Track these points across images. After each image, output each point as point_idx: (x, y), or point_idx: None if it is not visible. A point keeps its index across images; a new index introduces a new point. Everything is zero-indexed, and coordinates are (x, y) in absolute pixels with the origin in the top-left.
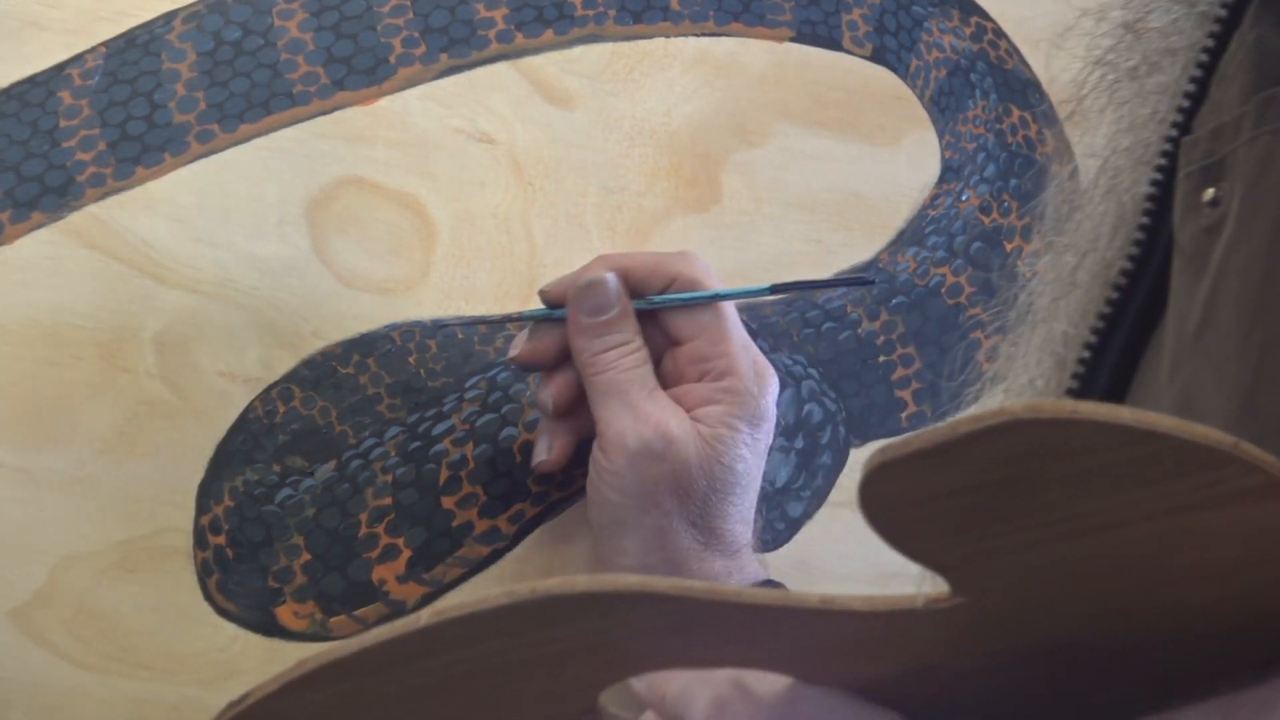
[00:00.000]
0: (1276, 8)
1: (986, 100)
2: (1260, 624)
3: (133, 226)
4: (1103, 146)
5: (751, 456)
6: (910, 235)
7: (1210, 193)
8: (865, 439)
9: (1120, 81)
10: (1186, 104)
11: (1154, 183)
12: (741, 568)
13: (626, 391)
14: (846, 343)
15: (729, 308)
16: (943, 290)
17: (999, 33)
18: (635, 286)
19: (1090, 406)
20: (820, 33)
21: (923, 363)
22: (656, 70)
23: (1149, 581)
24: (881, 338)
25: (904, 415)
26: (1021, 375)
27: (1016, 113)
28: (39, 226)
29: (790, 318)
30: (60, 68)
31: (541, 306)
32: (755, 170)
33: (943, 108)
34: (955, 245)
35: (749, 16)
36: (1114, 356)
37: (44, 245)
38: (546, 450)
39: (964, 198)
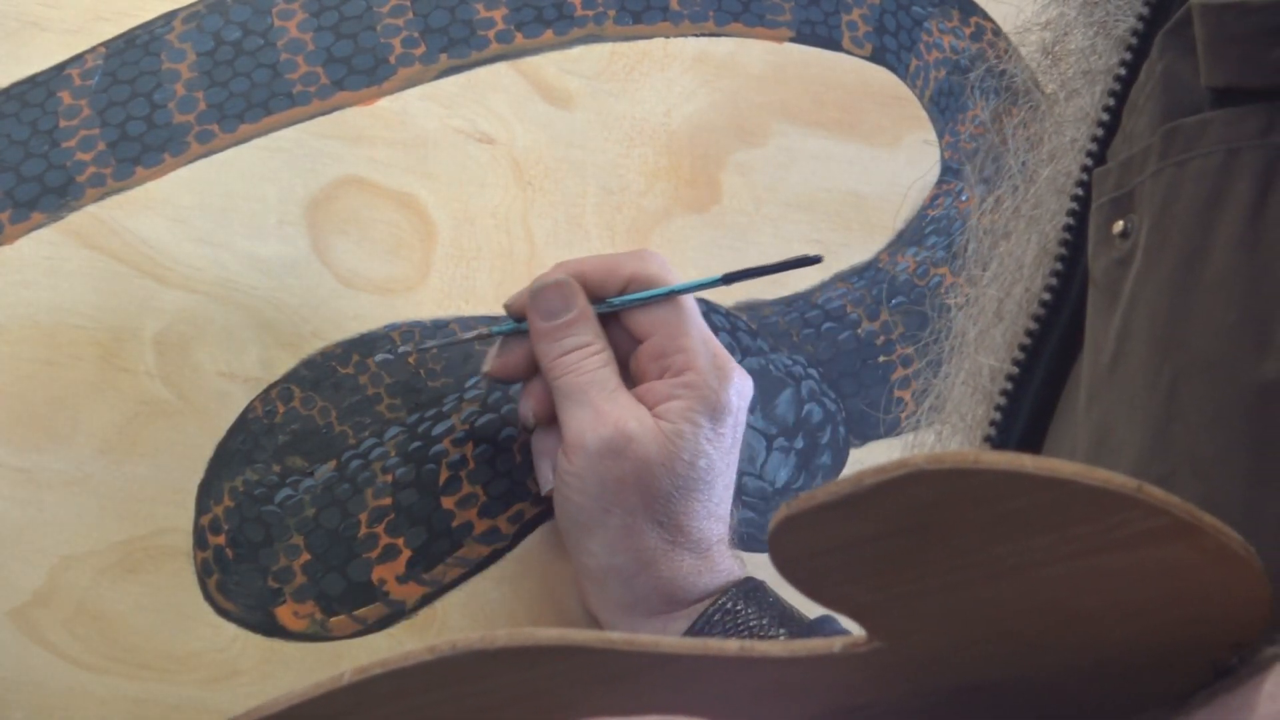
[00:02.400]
0: (1182, 36)
1: (986, 100)
2: (1178, 657)
3: (133, 226)
4: (1022, 176)
5: (715, 452)
6: (910, 235)
7: (1120, 225)
8: (865, 439)
9: (1038, 108)
10: (1100, 132)
11: (1071, 213)
12: (713, 566)
13: (586, 392)
14: (846, 343)
15: (688, 302)
16: (942, 290)
17: (998, 33)
18: (593, 290)
19: (992, 456)
20: (820, 33)
21: (923, 363)
22: (656, 70)
23: (1063, 621)
24: (881, 338)
25: (904, 415)
26: (952, 409)
27: (1016, 113)
28: (39, 226)
29: (790, 318)
30: (60, 68)
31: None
32: (755, 170)
33: (943, 108)
34: (955, 245)
35: (749, 16)
36: (1036, 388)
37: (44, 245)
38: (553, 476)
39: (964, 198)
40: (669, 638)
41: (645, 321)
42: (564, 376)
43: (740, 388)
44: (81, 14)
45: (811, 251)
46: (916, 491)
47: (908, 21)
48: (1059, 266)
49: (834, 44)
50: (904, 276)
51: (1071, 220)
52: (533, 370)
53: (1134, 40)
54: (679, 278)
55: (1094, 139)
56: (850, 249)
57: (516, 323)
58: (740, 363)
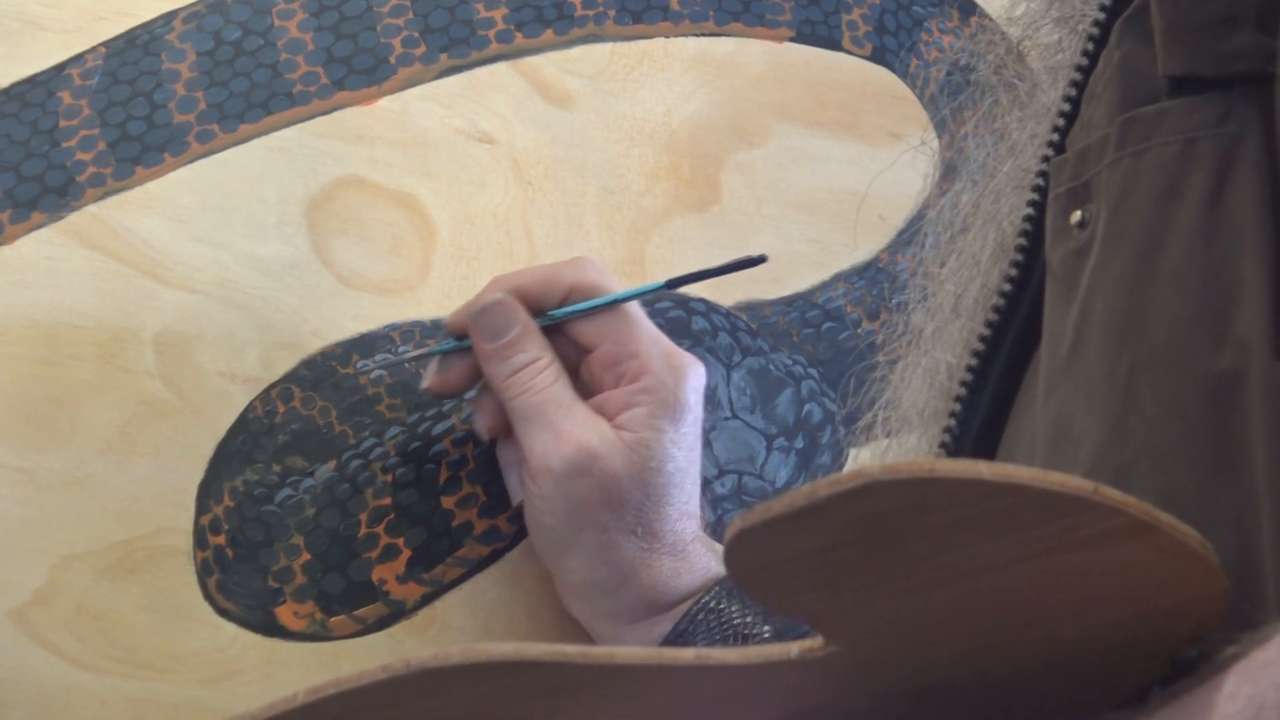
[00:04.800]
0: (1140, 24)
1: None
2: (1135, 652)
3: (133, 226)
4: (982, 172)
5: (680, 454)
6: (910, 235)
7: (1078, 215)
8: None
9: (1000, 104)
10: (1062, 123)
11: (1031, 204)
12: (691, 566)
13: (544, 412)
14: (846, 343)
15: (632, 305)
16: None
17: (997, 31)
18: (534, 303)
19: (947, 464)
20: (820, 33)
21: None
22: (656, 70)
23: (1019, 620)
24: (881, 337)
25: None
26: (909, 406)
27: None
28: (39, 226)
29: (790, 318)
30: (60, 68)
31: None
32: (755, 170)
33: (966, 102)
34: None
35: (749, 16)
36: (994, 382)
37: (44, 245)
38: (521, 489)
39: (963, 198)
40: (624, 648)
41: (591, 331)
42: (518, 397)
43: (696, 383)
44: (81, 14)
45: (813, 250)
46: (872, 502)
47: (908, 21)
48: (1019, 258)
49: (834, 44)
50: (904, 276)
51: (1032, 211)
52: (473, 383)
53: (1095, 30)
54: (618, 284)
55: (1055, 129)
56: (850, 249)
57: (458, 340)
58: (740, 363)
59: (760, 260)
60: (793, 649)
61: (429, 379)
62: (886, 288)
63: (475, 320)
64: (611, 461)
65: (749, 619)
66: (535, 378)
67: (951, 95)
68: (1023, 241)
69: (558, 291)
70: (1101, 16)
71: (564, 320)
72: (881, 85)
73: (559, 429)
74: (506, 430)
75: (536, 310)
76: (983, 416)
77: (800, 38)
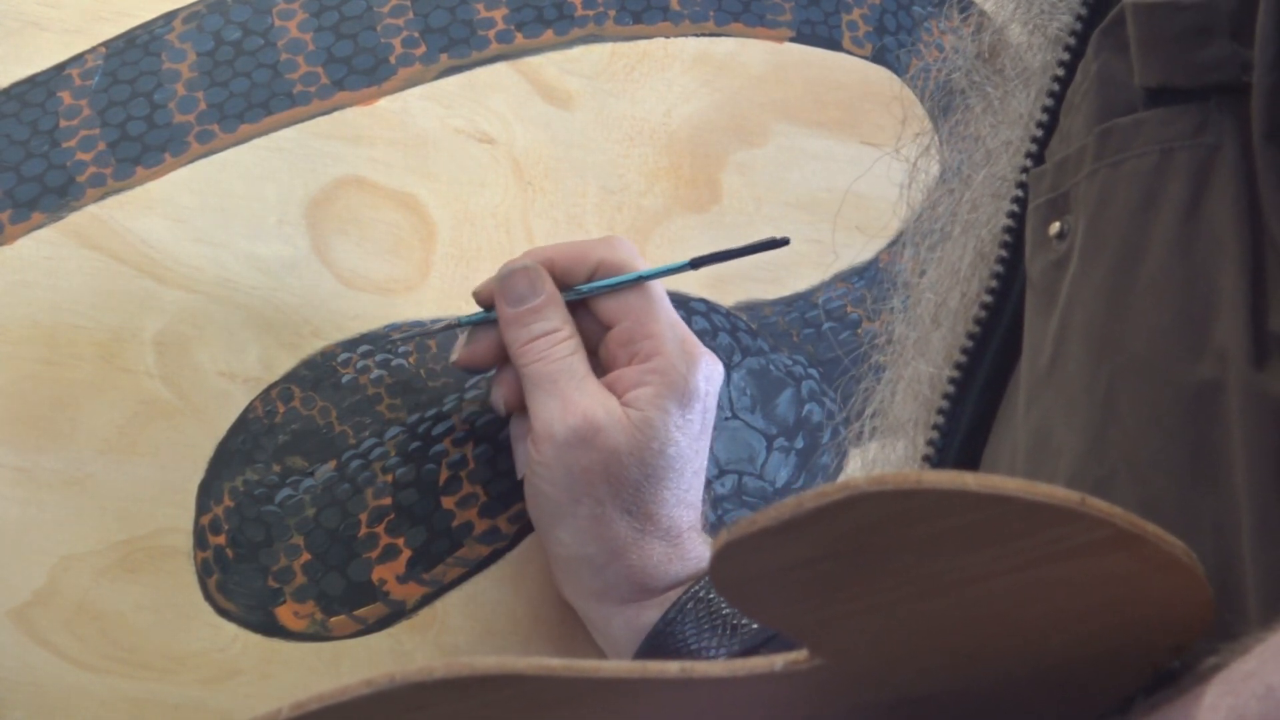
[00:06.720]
0: (1117, 35)
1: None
2: (1118, 660)
3: (133, 226)
4: (958, 179)
5: (684, 439)
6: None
7: (1056, 226)
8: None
9: (972, 110)
10: (1040, 134)
11: (1011, 214)
12: (684, 554)
13: (555, 381)
14: (847, 343)
15: (656, 288)
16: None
17: (996, 31)
18: (561, 277)
19: (934, 475)
20: (820, 33)
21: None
22: (656, 70)
23: (1003, 632)
24: (882, 338)
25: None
26: (895, 416)
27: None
28: (39, 226)
29: (790, 318)
30: (60, 68)
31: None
32: (755, 170)
33: (943, 107)
34: None
35: (749, 16)
36: (977, 393)
37: (44, 245)
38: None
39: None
40: (609, 662)
41: (613, 308)
42: (532, 364)
43: (708, 372)
44: (81, 14)
45: (813, 250)
46: (858, 514)
47: (908, 21)
48: (999, 269)
49: (834, 44)
50: (904, 276)
51: (1012, 222)
52: (502, 358)
53: (1072, 40)
54: (647, 264)
55: (1033, 139)
56: (850, 249)
57: (485, 311)
58: (740, 363)
59: (784, 242)
60: (777, 662)
61: (457, 351)
62: (886, 288)
63: (501, 284)
64: (614, 436)
65: (737, 609)
66: (552, 347)
67: (952, 96)
68: (1003, 253)
69: (585, 267)
70: (1078, 26)
71: (588, 296)
72: (881, 85)
73: (567, 398)
74: (522, 405)
75: (563, 284)
76: (966, 427)
77: (800, 38)
